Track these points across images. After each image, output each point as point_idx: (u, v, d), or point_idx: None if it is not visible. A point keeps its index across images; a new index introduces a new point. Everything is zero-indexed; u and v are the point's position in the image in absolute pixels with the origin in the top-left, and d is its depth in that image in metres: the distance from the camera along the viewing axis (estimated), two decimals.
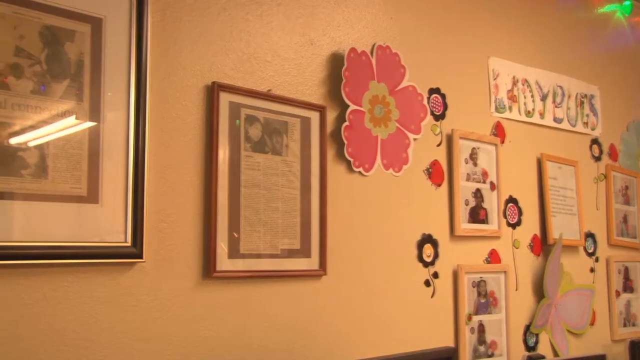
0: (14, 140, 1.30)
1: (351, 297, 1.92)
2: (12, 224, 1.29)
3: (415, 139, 2.13)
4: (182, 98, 1.59)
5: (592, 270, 2.85)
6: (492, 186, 2.41)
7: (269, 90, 1.76)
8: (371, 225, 2.00)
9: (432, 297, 2.15)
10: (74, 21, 1.40)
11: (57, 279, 1.34)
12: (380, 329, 1.99)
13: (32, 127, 1.32)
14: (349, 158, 1.92)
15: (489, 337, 2.30)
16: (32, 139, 1.33)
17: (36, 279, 1.32)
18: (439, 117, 2.25)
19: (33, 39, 1.34)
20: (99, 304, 1.40)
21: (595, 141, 2.96)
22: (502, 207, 2.44)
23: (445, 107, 2.27)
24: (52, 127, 1.35)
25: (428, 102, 2.21)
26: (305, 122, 1.83)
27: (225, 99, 1.65)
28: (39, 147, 1.33)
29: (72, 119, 1.38)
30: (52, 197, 1.34)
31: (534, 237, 2.58)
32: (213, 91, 1.62)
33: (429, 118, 2.19)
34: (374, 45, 2.03)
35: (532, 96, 2.65)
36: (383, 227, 2.03)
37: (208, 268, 1.58)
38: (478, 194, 2.35)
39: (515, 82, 2.58)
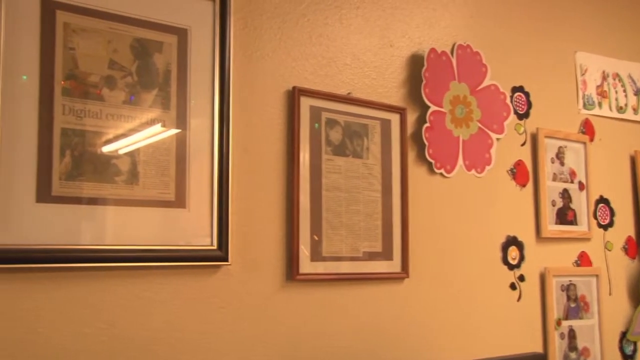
0: (108, 149, 1.36)
1: (434, 300, 1.89)
2: (105, 229, 1.35)
3: (498, 139, 2.07)
4: (263, 103, 1.62)
5: None
6: (581, 186, 2.31)
7: (349, 93, 1.77)
8: (454, 227, 1.97)
9: (518, 300, 2.09)
10: (162, 33, 1.46)
11: (148, 281, 1.40)
12: (465, 333, 1.95)
13: (124, 136, 1.39)
14: (430, 160, 1.90)
15: (580, 344, 2.21)
16: (124, 146, 1.39)
17: (129, 281, 1.38)
18: (523, 116, 2.19)
19: (125, 52, 1.40)
20: (187, 305, 1.45)
21: None
22: (592, 207, 2.34)
23: (530, 105, 2.20)
24: (142, 135, 1.41)
25: (511, 101, 2.15)
26: (386, 125, 1.82)
27: (305, 103, 1.67)
28: (130, 155, 1.40)
29: (160, 127, 1.44)
30: (142, 202, 1.40)
31: (629, 239, 2.45)
32: (294, 96, 1.65)
33: (512, 117, 2.14)
34: (454, 45, 1.99)
35: (625, 91, 2.52)
36: (466, 229, 1.99)
37: (291, 271, 1.60)
38: (565, 195, 2.26)
39: (605, 77, 2.46)
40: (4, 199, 1.23)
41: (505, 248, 2.08)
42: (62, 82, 1.32)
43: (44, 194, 1.28)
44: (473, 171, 2.01)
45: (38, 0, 1.30)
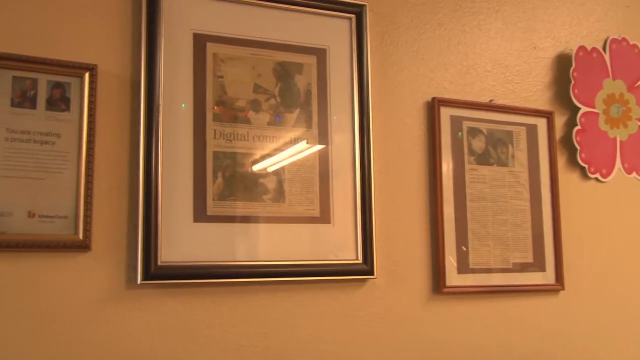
0: (255, 169, 1.44)
1: (594, 314, 1.77)
2: (256, 245, 1.42)
3: None
4: (403, 116, 1.62)
5: None
6: None
7: (491, 100, 1.71)
8: (613, 235, 1.83)
9: None
10: (302, 55, 1.51)
11: (298, 295, 1.45)
12: (631, 350, 1.80)
13: (269, 155, 1.45)
14: (583, 164, 1.79)
15: None
16: (270, 165, 1.46)
17: (279, 295, 1.43)
18: None
19: (268, 76, 1.47)
20: (335, 319, 1.48)
21: None
22: None
23: None
24: (287, 153, 1.47)
25: None
26: (532, 130, 1.74)
27: (445, 113, 1.64)
28: (277, 173, 1.46)
29: (303, 145, 1.49)
30: (289, 219, 1.46)
31: None
32: (433, 107, 1.63)
33: None
34: (606, 40, 1.86)
35: None
36: (627, 237, 1.85)
37: (437, 283, 1.58)
38: None
39: None
40: (166, 220, 1.33)
41: None
42: (213, 108, 1.41)
43: (200, 214, 1.37)
44: (634, 174, 1.87)
45: (191, 34, 1.41)
